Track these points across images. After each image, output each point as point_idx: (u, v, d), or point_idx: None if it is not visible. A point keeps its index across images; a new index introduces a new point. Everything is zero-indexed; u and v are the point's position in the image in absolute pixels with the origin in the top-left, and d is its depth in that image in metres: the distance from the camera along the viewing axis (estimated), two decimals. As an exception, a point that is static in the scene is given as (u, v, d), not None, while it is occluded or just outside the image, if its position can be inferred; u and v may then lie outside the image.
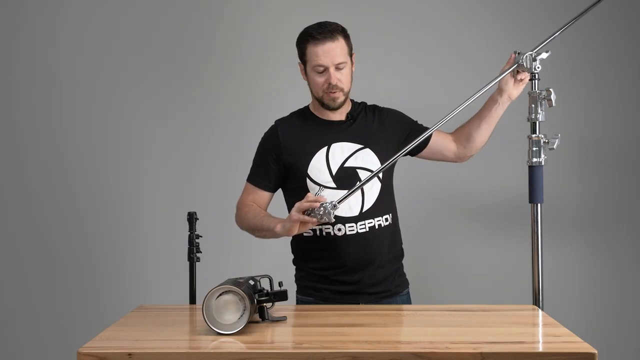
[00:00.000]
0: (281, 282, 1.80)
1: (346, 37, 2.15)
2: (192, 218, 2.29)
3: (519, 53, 2.11)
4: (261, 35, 3.25)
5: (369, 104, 2.32)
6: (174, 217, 2.92)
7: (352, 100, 2.28)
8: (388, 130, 2.26)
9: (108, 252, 3.27)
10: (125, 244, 3.27)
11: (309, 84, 2.20)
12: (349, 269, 2.17)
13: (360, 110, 2.27)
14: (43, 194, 3.27)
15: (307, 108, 2.28)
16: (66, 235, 3.26)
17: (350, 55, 2.18)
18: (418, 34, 3.24)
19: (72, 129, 3.27)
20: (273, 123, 2.28)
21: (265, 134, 2.27)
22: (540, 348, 1.59)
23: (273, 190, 2.25)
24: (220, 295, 1.64)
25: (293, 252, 2.30)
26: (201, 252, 2.29)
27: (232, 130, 3.23)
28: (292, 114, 2.30)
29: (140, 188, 3.27)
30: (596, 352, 1.48)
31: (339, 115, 2.23)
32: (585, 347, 1.51)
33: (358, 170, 2.17)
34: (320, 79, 2.14)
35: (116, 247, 3.27)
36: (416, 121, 2.34)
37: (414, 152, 2.32)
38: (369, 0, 3.23)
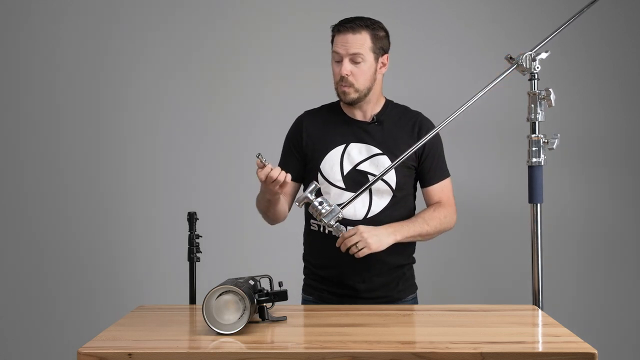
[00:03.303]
0: (281, 282, 1.80)
1: (375, 35, 2.09)
2: (192, 218, 2.28)
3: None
4: (264, 37, 3.25)
5: (412, 109, 2.21)
6: (174, 217, 2.92)
7: (387, 101, 2.21)
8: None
9: (108, 252, 3.27)
10: (125, 244, 3.27)
11: None
12: (345, 272, 2.14)
13: (393, 114, 2.18)
14: (43, 193, 3.27)
15: (338, 102, 2.22)
16: (66, 235, 3.26)
17: (377, 53, 2.11)
18: (417, 33, 3.24)
19: (72, 129, 3.26)
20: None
21: (292, 124, 2.25)
22: (540, 348, 1.59)
23: (296, 180, 2.18)
24: (220, 295, 1.63)
25: (304, 244, 2.29)
26: (201, 252, 2.29)
27: (233, 130, 3.23)
28: (322, 106, 2.26)
29: (141, 188, 3.27)
30: (596, 352, 1.48)
31: (363, 115, 2.17)
32: (585, 347, 1.51)
33: (370, 176, 2.11)
34: (336, 69, 2.11)
35: (116, 247, 3.27)
36: (438, 147, 2.21)
37: (422, 183, 2.22)
38: (369, 0, 3.23)
